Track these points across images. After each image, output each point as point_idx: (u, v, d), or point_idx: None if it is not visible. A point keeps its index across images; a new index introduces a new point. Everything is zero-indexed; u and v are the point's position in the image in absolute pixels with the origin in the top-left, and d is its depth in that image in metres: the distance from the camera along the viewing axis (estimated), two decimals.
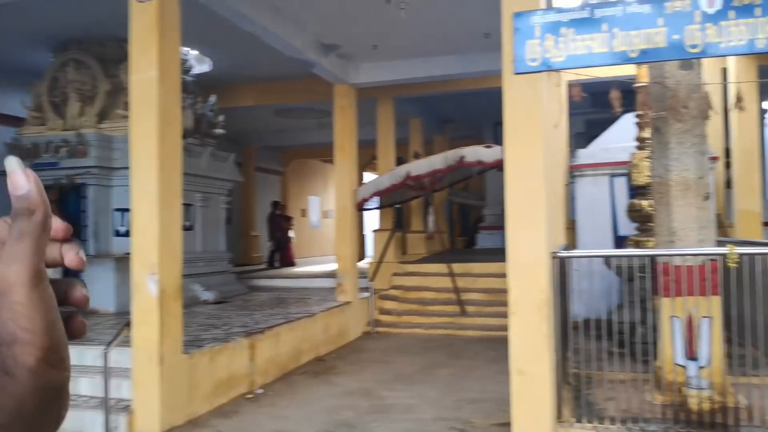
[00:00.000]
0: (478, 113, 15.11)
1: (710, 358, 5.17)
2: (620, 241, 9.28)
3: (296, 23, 7.65)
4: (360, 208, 9.91)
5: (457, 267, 10.32)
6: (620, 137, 10.13)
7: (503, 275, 10.51)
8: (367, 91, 10.05)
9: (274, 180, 19.48)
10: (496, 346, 8.73)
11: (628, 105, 12.51)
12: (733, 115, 8.01)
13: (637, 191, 8.29)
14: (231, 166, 10.62)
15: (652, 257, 5.46)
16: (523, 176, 4.30)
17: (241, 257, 15.79)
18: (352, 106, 9.52)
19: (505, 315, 9.75)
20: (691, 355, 5.24)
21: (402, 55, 9.14)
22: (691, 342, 5.22)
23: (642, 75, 8.25)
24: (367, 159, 18.83)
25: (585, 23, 4.20)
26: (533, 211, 4.27)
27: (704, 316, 5.17)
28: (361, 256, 18.50)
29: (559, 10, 4.28)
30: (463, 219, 18.49)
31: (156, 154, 4.83)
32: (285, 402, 6.17)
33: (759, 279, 4.61)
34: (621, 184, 9.46)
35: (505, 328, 9.47)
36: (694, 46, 4.00)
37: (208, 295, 8.88)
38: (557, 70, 4.29)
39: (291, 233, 16.83)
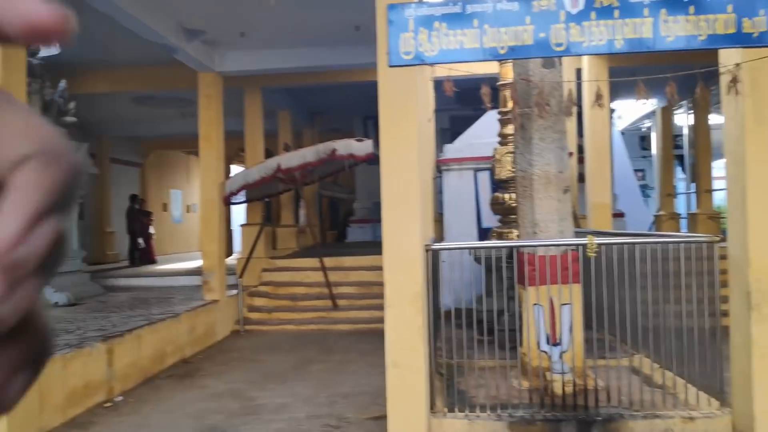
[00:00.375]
0: (348, 106, 15.10)
1: (571, 343, 5.47)
2: (484, 233, 9.64)
3: (157, 5, 7.19)
4: (227, 201, 9.55)
5: (329, 261, 10.23)
6: (483, 133, 10.51)
7: (375, 268, 10.65)
8: (233, 80, 9.68)
9: (133, 172, 18.38)
10: (369, 339, 8.78)
11: (492, 102, 12.99)
12: (587, 113, 8.54)
13: (499, 185, 8.62)
14: (83, 156, 9.83)
15: (517, 248, 5.66)
16: (398, 169, 4.27)
17: (95, 255, 14.74)
18: (218, 95, 9.13)
19: (377, 308, 9.87)
20: (554, 341, 5.51)
21: (270, 45, 8.89)
22: (553, 328, 5.48)
23: (505, 73, 8.60)
24: (233, 151, 18.28)
25: (457, 18, 4.23)
26: (408, 204, 4.26)
27: (564, 303, 5.45)
28: (229, 252, 17.96)
29: (432, 5, 4.29)
30: (332, 212, 18.47)
31: None
32: (148, 409, 5.78)
33: (616, 267, 4.91)
34: (484, 178, 9.82)
35: (377, 320, 9.56)
36: (559, 45, 4.16)
37: (59, 298, 8.16)
38: (430, 64, 4.30)
39: (151, 229, 15.94)
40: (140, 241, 15.02)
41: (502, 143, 8.57)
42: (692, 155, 14.19)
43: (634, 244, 4.83)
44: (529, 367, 5.39)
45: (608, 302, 5.21)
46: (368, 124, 16.17)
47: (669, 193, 14.15)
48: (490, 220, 9.87)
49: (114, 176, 16.48)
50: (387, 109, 4.35)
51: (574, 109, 5.72)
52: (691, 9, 4.07)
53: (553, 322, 5.48)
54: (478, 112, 11.59)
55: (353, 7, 7.51)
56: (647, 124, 19.67)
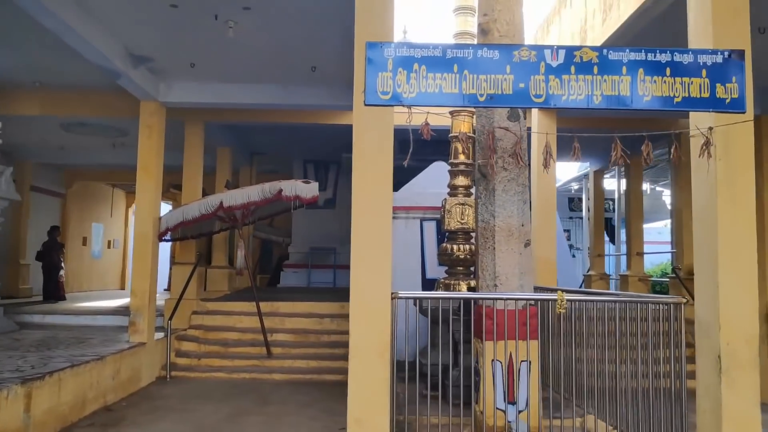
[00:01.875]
0: (289, 148, 14.87)
1: (527, 401, 5.30)
2: (428, 284, 9.49)
3: (105, 27, 6.82)
4: (162, 238, 9.03)
5: (264, 306, 9.79)
6: (429, 184, 10.47)
7: (312, 315, 10.29)
8: (175, 112, 9.29)
9: (53, 202, 17.36)
10: (306, 390, 8.36)
11: (439, 154, 13.07)
12: (535, 169, 8.62)
13: (447, 236, 8.53)
14: (7, 181, 9.14)
15: (475, 300, 5.49)
16: (370, 213, 4.07)
17: (7, 288, 13.68)
18: (160, 125, 8.72)
19: (313, 357, 9.49)
20: (511, 399, 5.34)
21: (221, 78, 8.60)
22: (511, 386, 5.31)
23: (457, 126, 8.64)
24: (164, 186, 17.59)
25: (437, 62, 4.13)
26: (379, 249, 4.05)
27: (523, 360, 5.30)
28: None
29: (412, 45, 4.18)
30: (264, 256, 17.95)
31: None
32: None
33: (574, 324, 4.83)
34: (431, 228, 9.73)
35: (314, 371, 9.19)
36: (538, 96, 4.11)
37: None
38: (407, 106, 4.16)
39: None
40: (61, 274, 14.06)
41: (452, 194, 8.52)
42: (623, 218, 14.66)
43: (603, 301, 4.75)
44: (485, 426, 5.18)
45: (564, 360, 5.10)
46: (308, 168, 15.95)
47: (599, 254, 14.50)
48: (435, 271, 9.75)
49: (33, 205, 15.48)
50: (361, 149, 4.16)
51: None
52: (668, 71, 4.12)
53: (511, 379, 5.32)
54: (422, 163, 11.60)
55: (312, 47, 7.38)
56: (575, 186, 20.34)
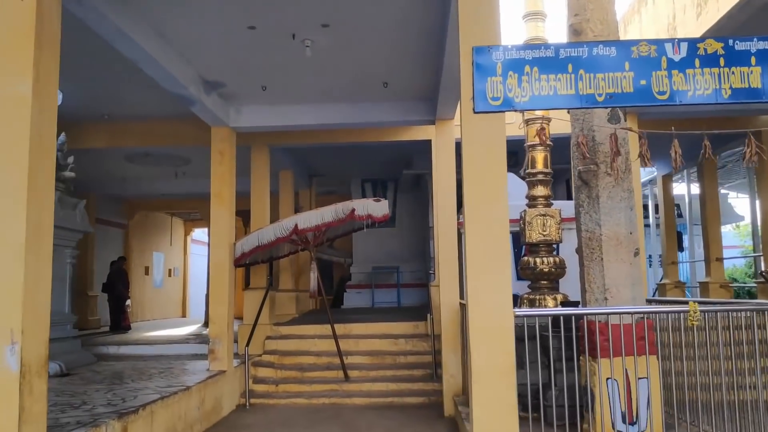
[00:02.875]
0: (347, 168, 14.78)
1: (648, 421, 4.95)
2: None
3: (182, 54, 6.80)
4: (238, 263, 8.95)
5: (336, 328, 9.61)
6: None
7: (386, 336, 10.05)
8: (241, 137, 9.26)
9: (116, 233, 17.63)
10: (390, 414, 8.11)
11: (514, 164, 12.78)
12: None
13: (529, 249, 8.22)
14: (81, 214, 9.23)
15: (584, 316, 5.17)
16: (486, 225, 3.83)
17: (78, 321, 13.84)
18: (231, 150, 8.68)
19: (391, 380, 9.23)
20: (630, 420, 5.00)
21: (289, 100, 8.53)
22: (630, 405, 4.97)
23: (531, 135, 8.36)
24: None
25: (549, 63, 3.90)
26: (498, 263, 3.81)
27: (641, 377, 4.96)
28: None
29: (522, 47, 3.96)
30: (326, 277, 17.80)
31: (25, 188, 3.78)
32: None
33: (701, 336, 4.50)
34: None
35: (393, 393, 8.93)
36: (662, 93, 3.84)
37: (52, 367, 7.37)
38: (520, 111, 3.94)
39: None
40: (128, 304, 14.19)
41: (531, 205, 8.22)
42: (693, 223, 14.10)
43: (739, 311, 4.40)
44: None
45: (676, 374, 4.75)
46: (365, 186, 15.82)
47: (673, 261, 13.94)
48: (514, 287, 9.43)
49: (99, 237, 15.72)
50: (471, 160, 3.94)
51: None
52: None
53: (629, 398, 4.98)
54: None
55: (385, 62, 7.23)
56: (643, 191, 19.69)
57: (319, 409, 8.53)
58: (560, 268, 8.01)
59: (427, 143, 10.87)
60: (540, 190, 8.21)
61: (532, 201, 8.25)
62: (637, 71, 3.87)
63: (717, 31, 5.72)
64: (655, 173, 14.84)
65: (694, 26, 5.98)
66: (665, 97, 3.85)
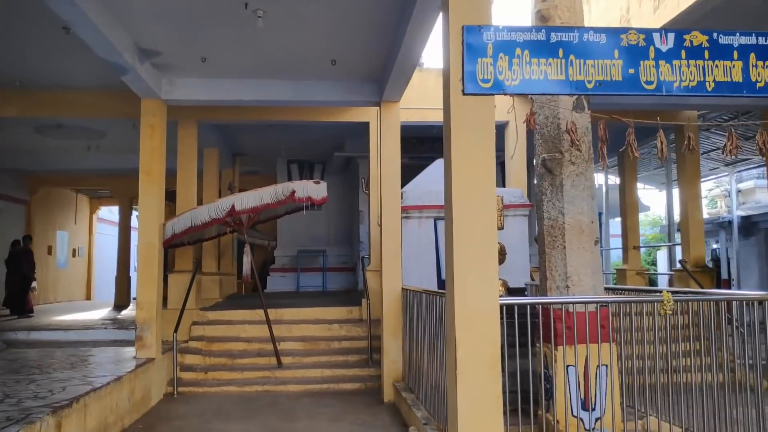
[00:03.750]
0: (274, 148, 14.31)
1: (605, 408, 5.03)
2: (443, 285, 9.14)
3: (120, 19, 6.25)
4: (168, 245, 8.44)
5: (268, 314, 9.29)
6: (435, 182, 10.15)
7: (320, 322, 9.83)
8: (167, 111, 8.70)
9: (16, 209, 16.34)
10: (327, 401, 7.92)
11: (435, 152, 12.71)
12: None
13: None
14: None
15: (547, 304, 5.17)
16: (474, 212, 3.70)
17: None
18: (162, 124, 8.13)
19: (326, 366, 9.03)
20: (588, 407, 5.05)
21: (228, 74, 8.07)
22: (587, 392, 5.03)
23: None
24: (136, 191, 16.74)
25: (541, 46, 3.80)
26: (484, 249, 3.69)
27: (600, 365, 5.03)
28: (126, 301, 16.27)
29: (512, 29, 3.83)
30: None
31: None
32: None
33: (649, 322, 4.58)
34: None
35: (329, 380, 8.74)
36: (649, 83, 3.82)
37: None
38: (510, 95, 3.82)
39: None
40: (33, 286, 13.17)
41: None
42: (615, 213, 14.66)
43: (709, 300, 4.50)
44: None
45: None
46: (291, 168, 15.43)
47: (635, 246, 14.38)
48: None
49: None
50: (458, 144, 3.79)
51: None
52: None
53: (587, 385, 5.04)
54: (420, 161, 11.29)
55: (337, 38, 6.95)
56: None
57: (253, 398, 8.22)
58: (501, 255, 8.05)
59: (364, 126, 10.68)
60: None
61: None
62: (625, 59, 3.83)
63: (674, 25, 5.84)
64: None
65: (651, 19, 6.09)
66: (653, 87, 3.83)
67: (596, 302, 4.79)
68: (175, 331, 8.48)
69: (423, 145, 11.96)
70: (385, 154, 8.14)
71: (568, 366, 4.95)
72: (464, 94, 3.74)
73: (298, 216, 12.27)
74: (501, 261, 8.12)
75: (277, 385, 8.61)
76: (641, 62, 3.84)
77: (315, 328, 9.75)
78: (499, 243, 8.11)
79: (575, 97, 5.30)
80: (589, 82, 3.81)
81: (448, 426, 3.97)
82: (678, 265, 10.87)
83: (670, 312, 4.21)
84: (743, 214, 17.34)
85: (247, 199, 8.13)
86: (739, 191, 18.33)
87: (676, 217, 12.94)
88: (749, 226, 17.28)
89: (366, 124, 10.39)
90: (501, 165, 11.52)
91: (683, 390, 4.81)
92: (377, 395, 8.21)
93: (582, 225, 5.20)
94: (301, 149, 14.43)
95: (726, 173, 17.64)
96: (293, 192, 8.21)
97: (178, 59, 7.48)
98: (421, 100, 10.00)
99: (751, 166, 17.73)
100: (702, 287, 9.77)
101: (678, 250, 12.90)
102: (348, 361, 9.16)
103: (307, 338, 9.58)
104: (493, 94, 3.81)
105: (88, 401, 5.45)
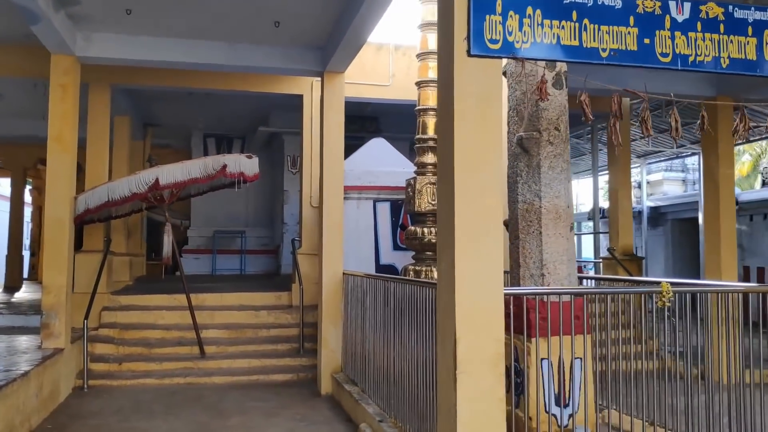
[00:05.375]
0: (190, 120, 13.32)
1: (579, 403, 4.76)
2: (382, 270, 8.73)
3: None
4: (80, 221, 7.50)
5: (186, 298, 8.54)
6: (371, 161, 9.68)
7: (245, 308, 9.14)
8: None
9: None
10: (258, 394, 7.33)
11: (365, 131, 12.22)
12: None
13: (416, 218, 7.83)
14: None
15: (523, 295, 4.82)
16: (477, 192, 3.25)
17: None
18: (75, 84, 7.17)
19: (253, 355, 8.40)
20: (564, 402, 4.77)
21: (152, 31, 7.19)
22: (563, 387, 4.74)
23: (425, 98, 7.92)
24: (32, 161, 15.25)
25: (553, 6, 3.39)
26: (489, 232, 3.26)
27: (576, 357, 4.75)
28: (18, 283, 14.84)
29: None
30: (153, 239, 16.11)
31: None
32: None
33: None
34: (384, 210, 8.96)
35: (257, 371, 8.12)
36: (665, 55, 3.51)
37: None
38: (520, 59, 3.39)
39: None
40: None
41: (419, 173, 7.82)
42: None
43: (706, 292, 4.27)
44: None
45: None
46: (208, 142, 14.46)
47: None
48: (389, 257, 9.03)
49: None
50: (463, 113, 3.32)
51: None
52: None
53: (562, 379, 4.75)
54: (351, 141, 10.75)
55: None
56: None
57: (175, 391, 7.48)
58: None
59: (293, 99, 10.02)
60: (429, 157, 7.80)
61: (421, 168, 7.84)
62: (641, 28, 3.49)
63: None
64: None
65: None
66: (668, 59, 3.52)
67: (595, 293, 4.52)
68: (86, 318, 7.58)
69: (354, 124, 11.42)
70: (327, 129, 7.55)
71: (542, 359, 4.64)
72: (470, 55, 3.28)
73: (215, 194, 11.46)
74: None
75: (201, 377, 7.91)
76: (657, 32, 3.53)
77: (240, 314, 9.06)
78: None
79: (554, 72, 4.96)
80: (604, 50, 3.46)
81: (438, 427, 3.53)
82: (606, 253, 10.96)
83: (669, 304, 3.95)
84: (652, 204, 17.96)
85: (173, 173, 7.33)
86: (647, 182, 19.00)
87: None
88: (657, 216, 17.94)
89: (299, 98, 9.75)
90: None
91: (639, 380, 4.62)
92: (312, 387, 7.69)
93: (559, 209, 4.88)
94: (220, 122, 13.51)
95: (637, 164, 18.20)
96: (224, 166, 7.49)
97: (98, 10, 6.56)
98: (356, 75, 9.43)
99: (661, 159, 18.44)
100: (631, 275, 9.86)
101: (602, 238, 13.12)
102: (278, 351, 8.56)
103: (232, 326, 8.88)
104: (501, 57, 3.36)
105: None
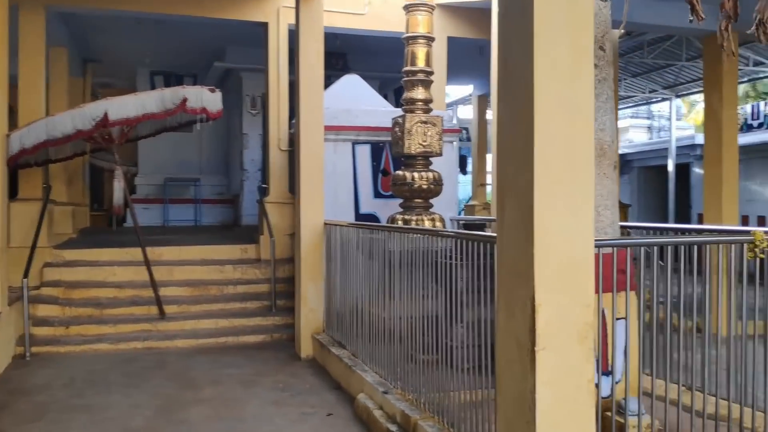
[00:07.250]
0: (135, 54, 12.00)
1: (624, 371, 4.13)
2: (362, 220, 7.90)
3: None
4: (13, 163, 6.38)
5: (139, 252, 7.57)
6: (346, 100, 8.72)
7: (209, 263, 8.22)
8: None
9: None
10: (229, 360, 6.52)
11: (331, 68, 11.19)
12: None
13: (404, 161, 7.00)
14: None
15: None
16: (567, 130, 2.46)
17: None
18: (2, 7, 5.98)
19: (219, 315, 7.54)
20: (605, 369, 4.13)
21: None
22: (605, 352, 4.09)
23: (414, 25, 7.00)
24: None
25: None
26: (577, 178, 2.49)
27: (620, 318, 4.08)
28: None
29: None
30: (96, 187, 14.78)
31: None
32: None
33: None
34: (364, 152, 8.07)
35: (225, 332, 7.26)
36: None
37: None
38: None
39: None
40: None
41: (407, 110, 6.95)
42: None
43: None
44: None
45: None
46: (156, 81, 13.13)
47: (482, 183, 14.01)
48: (370, 205, 8.19)
49: None
50: (547, 34, 2.47)
51: None
52: None
53: (605, 344, 4.09)
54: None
55: None
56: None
57: (133, 357, 6.61)
58: (438, 185, 6.95)
59: (253, 32, 8.94)
60: (420, 92, 6.95)
61: (409, 105, 6.97)
62: None
63: None
64: (474, 92, 14.52)
65: None
66: None
67: (677, 243, 3.77)
68: (25, 275, 6.55)
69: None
70: (305, 59, 6.59)
71: None
72: None
73: (165, 138, 10.35)
74: (438, 192, 7.04)
75: (162, 341, 7.05)
76: None
77: (203, 270, 8.15)
78: (434, 172, 7.00)
79: None
80: None
81: (498, 418, 2.80)
82: None
83: (762, 255, 3.28)
84: (619, 152, 17.65)
85: (125, 107, 6.26)
86: None
87: None
88: (623, 164, 17.65)
89: (262, 27, 8.68)
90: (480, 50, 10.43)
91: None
92: (289, 349, 6.93)
93: (603, 145, 4.14)
94: (169, 57, 12.21)
95: None
96: (185, 100, 6.48)
97: None
98: (328, 1, 8.41)
99: (627, 105, 18.02)
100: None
101: None
102: (247, 309, 7.74)
103: (194, 282, 7.97)
104: None
105: None
